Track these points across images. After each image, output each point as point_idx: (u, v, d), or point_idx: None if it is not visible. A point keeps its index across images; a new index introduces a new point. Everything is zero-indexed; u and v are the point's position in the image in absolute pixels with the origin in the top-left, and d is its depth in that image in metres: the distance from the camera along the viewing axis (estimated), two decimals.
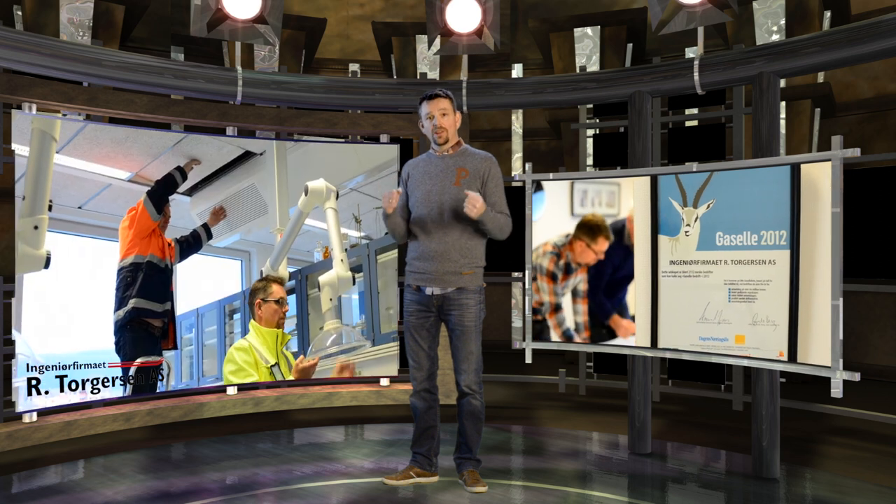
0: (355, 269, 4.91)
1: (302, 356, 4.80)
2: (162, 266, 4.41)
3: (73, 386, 4.12)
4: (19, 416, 3.96)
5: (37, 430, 3.92)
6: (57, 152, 4.05)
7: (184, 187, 4.52)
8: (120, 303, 4.27)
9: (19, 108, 3.98)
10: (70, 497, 3.48)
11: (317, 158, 4.89)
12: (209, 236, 4.61)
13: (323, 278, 4.81)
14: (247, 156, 4.73)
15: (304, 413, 5.08)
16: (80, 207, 4.14)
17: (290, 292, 4.81)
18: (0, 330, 3.91)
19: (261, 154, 4.76)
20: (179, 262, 4.50)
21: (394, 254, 4.95)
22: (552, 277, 4.31)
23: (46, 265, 3.98)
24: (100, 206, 4.21)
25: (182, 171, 4.49)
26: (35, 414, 3.99)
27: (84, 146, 4.16)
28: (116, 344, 4.26)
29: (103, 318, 4.23)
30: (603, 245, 4.21)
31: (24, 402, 3.96)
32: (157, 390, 4.42)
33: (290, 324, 4.81)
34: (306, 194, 4.78)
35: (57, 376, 4.07)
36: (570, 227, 4.27)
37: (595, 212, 4.23)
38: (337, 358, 4.86)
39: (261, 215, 4.77)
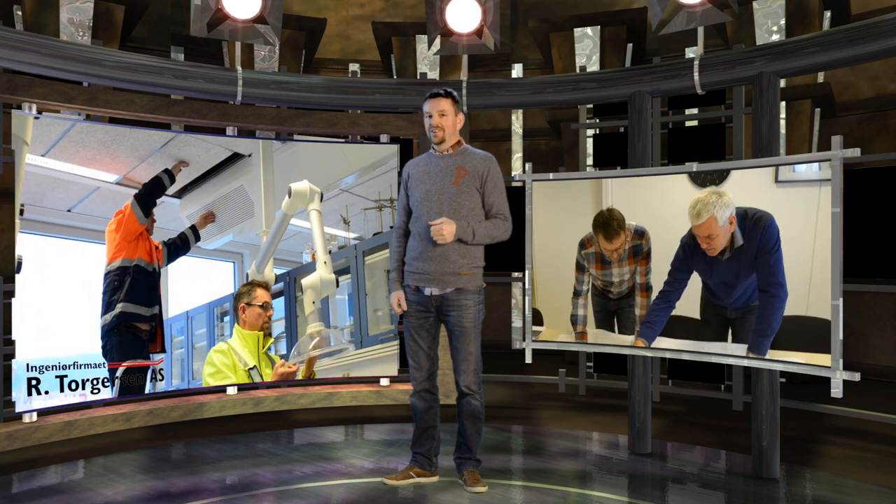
0: (343, 270, 4.88)
1: (283, 361, 4.75)
2: (150, 270, 4.37)
3: (73, 386, 4.11)
4: (19, 416, 3.96)
5: (37, 430, 3.92)
6: (42, 155, 4.01)
7: (172, 189, 4.50)
8: (107, 307, 4.22)
9: (19, 108, 3.98)
10: (70, 497, 3.48)
11: (305, 159, 4.86)
12: (197, 238, 4.58)
13: (306, 281, 4.77)
14: (235, 157, 4.71)
15: (304, 413, 5.07)
16: (69, 210, 4.11)
17: (278, 295, 4.78)
18: (0, 330, 3.92)
19: (248, 156, 4.74)
20: (167, 264, 4.47)
21: (383, 255, 4.92)
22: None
23: (17, 270, 3.95)
24: (89, 209, 4.18)
25: (170, 174, 4.46)
26: (35, 414, 3.98)
27: (69, 149, 4.12)
28: (103, 348, 4.21)
29: (96, 320, 4.20)
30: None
31: (24, 402, 3.96)
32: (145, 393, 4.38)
33: (280, 326, 4.78)
34: (290, 196, 4.74)
35: (57, 376, 4.07)
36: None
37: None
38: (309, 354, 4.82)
39: (249, 217, 4.75)
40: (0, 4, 6.70)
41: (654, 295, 4.01)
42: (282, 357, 4.77)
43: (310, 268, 4.83)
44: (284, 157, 4.84)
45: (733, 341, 3.76)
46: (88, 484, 3.68)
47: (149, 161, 4.40)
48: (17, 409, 3.94)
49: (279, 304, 4.79)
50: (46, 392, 4.03)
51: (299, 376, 4.79)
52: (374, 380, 4.94)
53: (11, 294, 3.94)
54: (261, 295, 4.67)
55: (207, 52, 7.83)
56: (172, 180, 4.48)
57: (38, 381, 4.00)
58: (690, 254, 3.85)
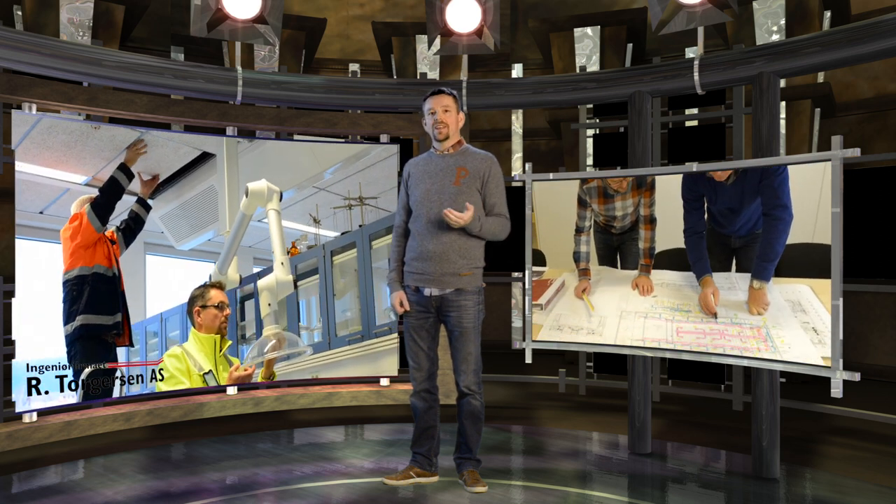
0: (312, 270, 4.84)
1: (238, 364, 4.66)
2: (109, 275, 4.21)
3: (73, 386, 4.11)
4: (19, 416, 3.96)
5: (37, 430, 3.92)
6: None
7: (133, 187, 4.34)
8: (68, 317, 4.09)
9: (19, 108, 3.98)
10: (70, 497, 3.48)
11: (272, 159, 4.79)
12: (147, 208, 4.40)
13: (261, 282, 4.69)
14: (205, 157, 4.65)
15: (304, 413, 5.08)
16: (41, 212, 4.06)
17: (249, 297, 4.71)
18: (0, 330, 3.92)
19: (217, 155, 4.70)
20: (125, 250, 4.32)
21: (351, 254, 4.87)
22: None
23: None
24: (61, 210, 4.12)
25: (126, 170, 4.30)
26: (35, 414, 3.98)
27: (33, 150, 4.04)
28: (68, 353, 4.10)
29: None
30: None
31: (24, 403, 3.96)
32: (113, 396, 4.26)
33: (253, 327, 4.72)
34: (247, 196, 4.67)
35: (57, 376, 4.06)
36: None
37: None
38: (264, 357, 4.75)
39: (216, 219, 4.70)
40: (0, 4, 6.70)
41: (658, 227, 3.99)
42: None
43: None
44: (252, 156, 4.75)
45: (737, 270, 3.73)
46: (88, 484, 3.68)
47: (117, 161, 4.31)
48: (17, 409, 3.94)
49: (250, 306, 4.70)
50: (46, 392, 4.03)
51: (258, 379, 4.71)
52: (374, 380, 4.94)
53: (11, 294, 3.94)
54: (215, 295, 4.56)
55: (207, 52, 7.83)
56: (130, 176, 4.32)
57: (38, 381, 4.00)
58: (696, 179, 3.85)
